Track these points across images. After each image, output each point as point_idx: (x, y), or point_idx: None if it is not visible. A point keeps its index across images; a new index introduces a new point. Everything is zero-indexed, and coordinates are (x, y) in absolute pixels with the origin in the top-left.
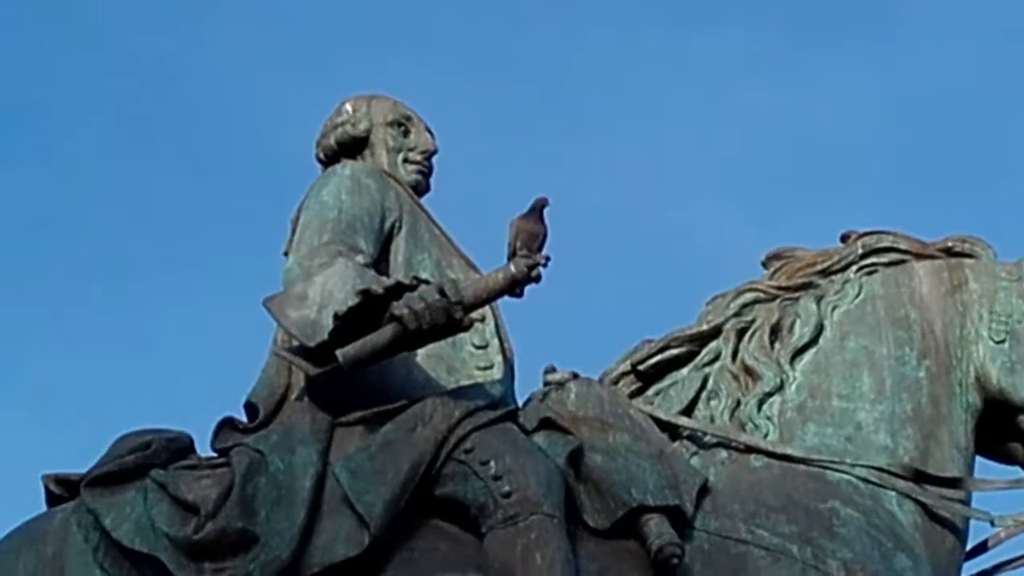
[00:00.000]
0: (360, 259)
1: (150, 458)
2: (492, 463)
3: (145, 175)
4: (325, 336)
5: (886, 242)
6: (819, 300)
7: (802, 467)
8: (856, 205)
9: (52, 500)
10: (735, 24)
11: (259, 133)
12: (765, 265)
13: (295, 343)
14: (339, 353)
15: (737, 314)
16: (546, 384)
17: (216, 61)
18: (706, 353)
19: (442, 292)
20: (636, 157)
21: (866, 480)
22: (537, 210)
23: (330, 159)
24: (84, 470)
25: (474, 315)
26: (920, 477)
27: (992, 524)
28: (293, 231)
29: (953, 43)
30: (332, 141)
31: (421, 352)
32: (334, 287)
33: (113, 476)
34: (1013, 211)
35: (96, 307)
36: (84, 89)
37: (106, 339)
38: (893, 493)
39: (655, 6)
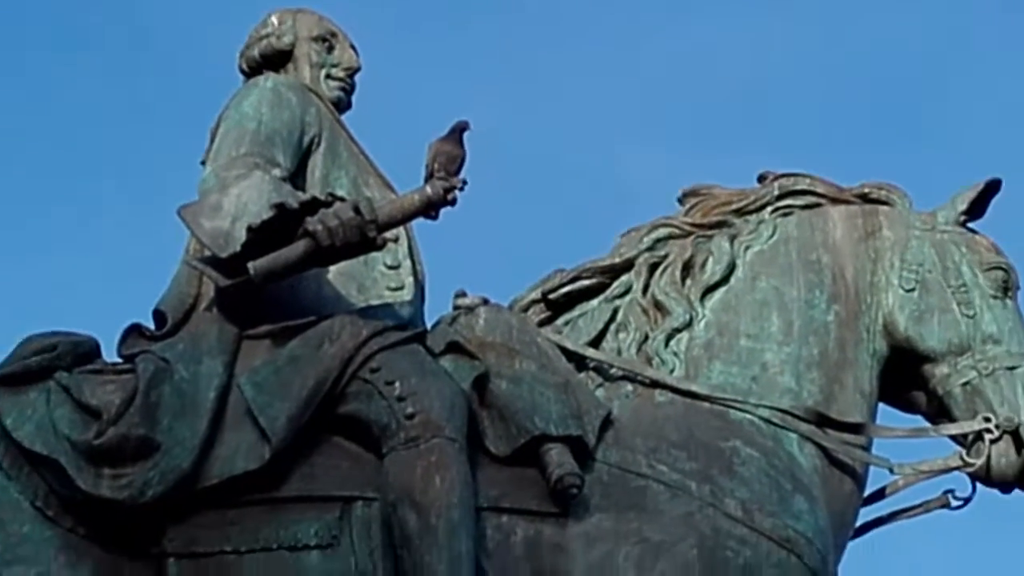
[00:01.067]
0: (277, 172)
1: (55, 360)
2: (397, 384)
3: (62, 81)
4: (237, 248)
5: (802, 185)
6: (733, 239)
7: (706, 404)
8: (776, 148)
9: None
10: None
11: (181, 40)
12: (681, 201)
13: (207, 253)
14: (251, 265)
15: (650, 248)
16: (456, 308)
17: None
18: (617, 286)
19: (357, 210)
20: (559, 89)
21: (768, 421)
22: (457, 133)
23: (253, 71)
24: None
25: (388, 235)
26: (823, 421)
27: (891, 472)
28: (212, 141)
29: None
30: (256, 53)
31: (333, 269)
32: (249, 199)
33: (16, 377)
34: (931, 162)
35: (9, 211)
36: None
37: (17, 243)
38: (795, 435)
39: None
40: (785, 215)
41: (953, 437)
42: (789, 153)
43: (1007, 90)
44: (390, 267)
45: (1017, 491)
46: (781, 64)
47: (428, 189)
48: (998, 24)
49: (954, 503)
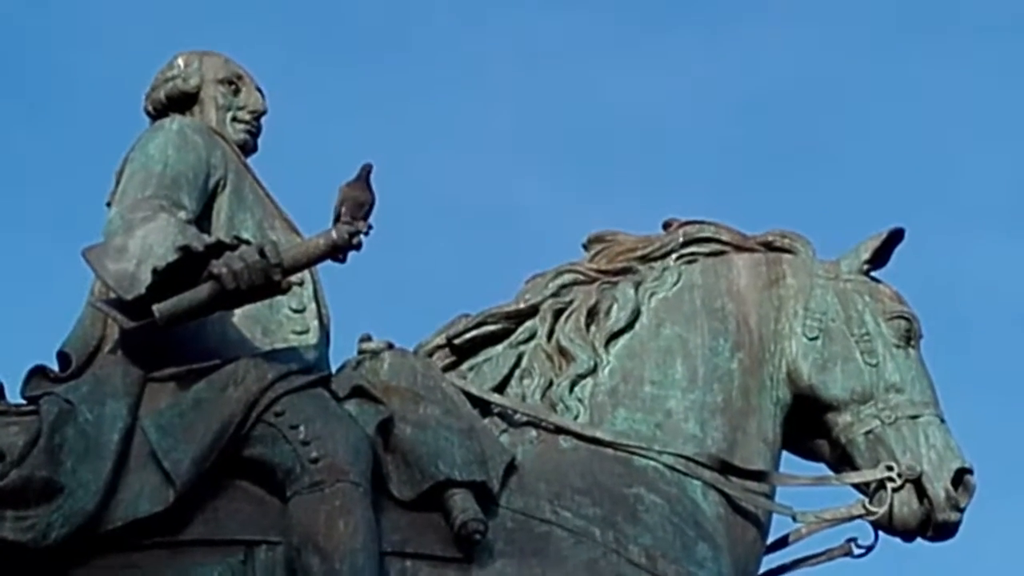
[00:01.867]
0: (183, 215)
1: None
2: (302, 428)
3: None
4: (142, 290)
5: (707, 232)
6: (637, 286)
7: (610, 451)
8: (681, 191)
9: None
10: (574, 4)
11: (87, 83)
12: (586, 247)
13: (112, 295)
14: (155, 308)
15: (555, 294)
16: (360, 352)
17: (49, 13)
18: (522, 331)
19: (262, 253)
20: (464, 130)
21: (672, 468)
22: (364, 177)
23: (159, 112)
24: None
25: (293, 278)
26: (726, 468)
27: (794, 519)
28: (117, 182)
29: (784, 34)
30: (162, 95)
31: (238, 312)
32: (154, 242)
33: None
34: (835, 207)
35: None
36: None
37: None
38: (698, 482)
39: None
40: (690, 262)
41: (856, 486)
42: (690, 195)
43: (909, 132)
44: (295, 311)
45: (919, 540)
46: (680, 104)
47: (333, 233)
48: (900, 62)
49: (856, 551)
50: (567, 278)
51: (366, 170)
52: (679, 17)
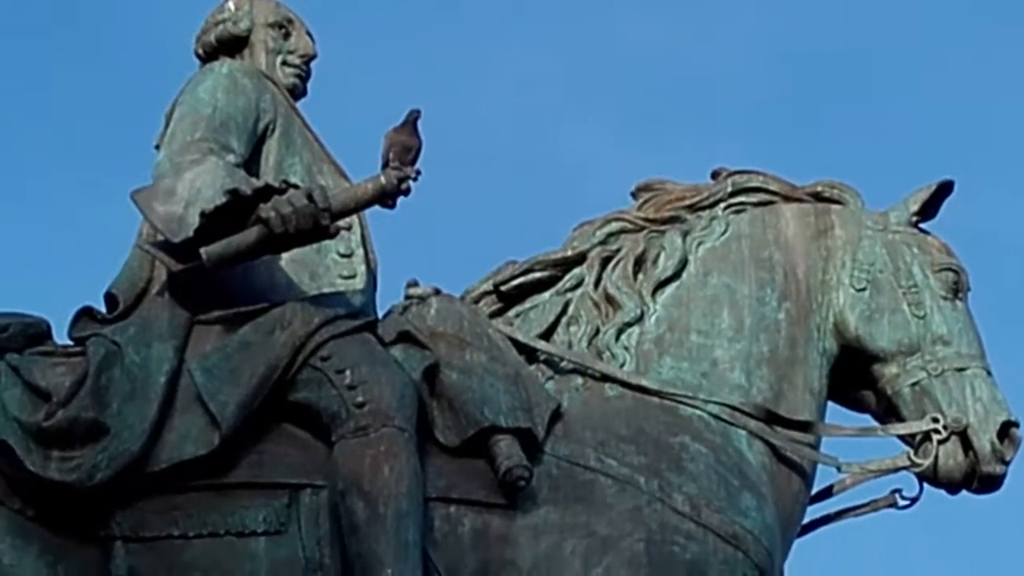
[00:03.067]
0: (231, 158)
1: (5, 341)
2: (347, 372)
3: (13, 60)
4: (190, 233)
5: (756, 182)
6: (685, 235)
7: (655, 399)
8: (728, 140)
9: None
10: None
11: (136, 24)
12: (635, 196)
13: (160, 238)
14: (203, 251)
15: (603, 242)
16: (407, 298)
17: None
18: (569, 279)
19: (310, 197)
20: (515, 76)
21: (718, 417)
22: (411, 122)
23: (209, 56)
24: None
25: (341, 223)
26: (772, 418)
27: (839, 470)
28: (166, 125)
29: None
30: (212, 38)
31: (285, 256)
32: (203, 184)
33: None
34: (884, 159)
35: None
36: None
37: None
38: (743, 432)
39: None
40: (738, 212)
41: (901, 437)
42: (739, 145)
43: (958, 85)
44: (343, 255)
45: (964, 492)
46: (729, 54)
47: (382, 178)
48: (952, 19)
49: (901, 503)
50: (615, 226)
51: (413, 115)
52: None
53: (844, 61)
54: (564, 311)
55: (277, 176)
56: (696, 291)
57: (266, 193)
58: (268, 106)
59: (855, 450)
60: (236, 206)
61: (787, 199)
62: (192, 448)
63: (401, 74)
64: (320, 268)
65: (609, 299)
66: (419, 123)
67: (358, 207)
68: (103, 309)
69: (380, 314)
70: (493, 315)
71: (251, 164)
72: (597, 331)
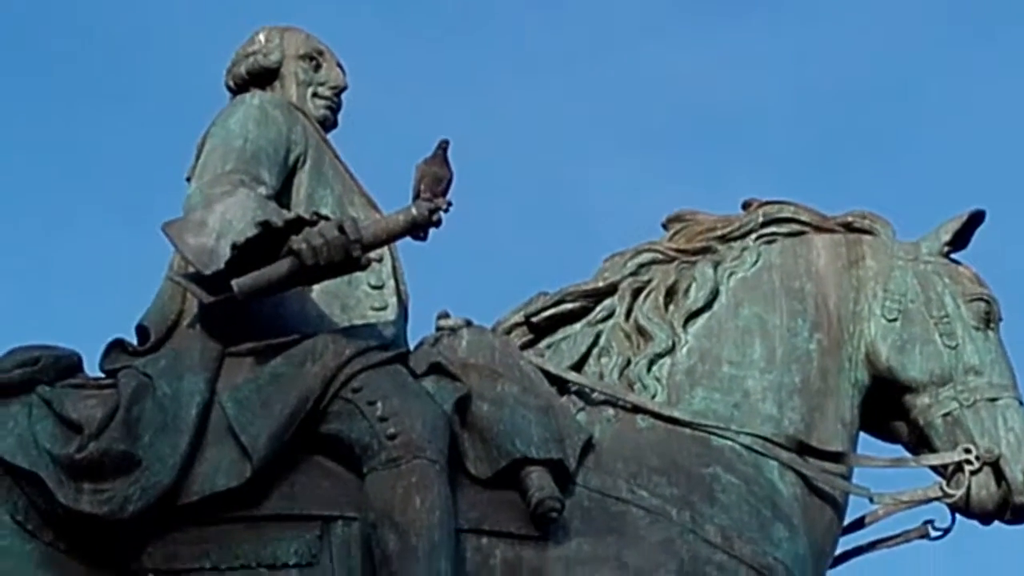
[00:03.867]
0: (262, 190)
1: (37, 374)
2: (379, 404)
3: (48, 95)
4: (221, 265)
5: (787, 212)
6: (716, 265)
7: (687, 431)
8: (756, 174)
9: None
10: None
11: (169, 58)
12: (666, 227)
13: (191, 269)
14: (234, 283)
15: (634, 273)
16: (439, 329)
17: None
18: (600, 310)
19: (341, 229)
20: (546, 109)
21: (750, 448)
22: (442, 154)
23: (240, 88)
24: None
25: (372, 255)
26: (803, 449)
27: (871, 501)
28: (197, 157)
29: (861, 16)
30: (243, 70)
31: (316, 288)
32: (234, 216)
33: None
34: (915, 189)
35: None
36: None
37: (2, 257)
38: (775, 463)
39: None
40: (769, 242)
41: (934, 468)
42: (768, 177)
43: (988, 115)
44: (374, 287)
45: (996, 523)
46: (757, 86)
47: (413, 210)
48: (983, 47)
49: (933, 534)
50: (646, 257)
51: (443, 146)
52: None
53: (874, 91)
54: (595, 342)
55: (308, 208)
56: (727, 322)
57: (297, 225)
58: (299, 138)
59: (887, 481)
60: (267, 238)
61: (818, 229)
62: (224, 480)
63: (431, 107)
64: (351, 300)
65: (640, 330)
66: (449, 154)
67: (389, 239)
68: (134, 341)
69: (411, 346)
70: (524, 346)
71: (282, 196)
72: (628, 362)
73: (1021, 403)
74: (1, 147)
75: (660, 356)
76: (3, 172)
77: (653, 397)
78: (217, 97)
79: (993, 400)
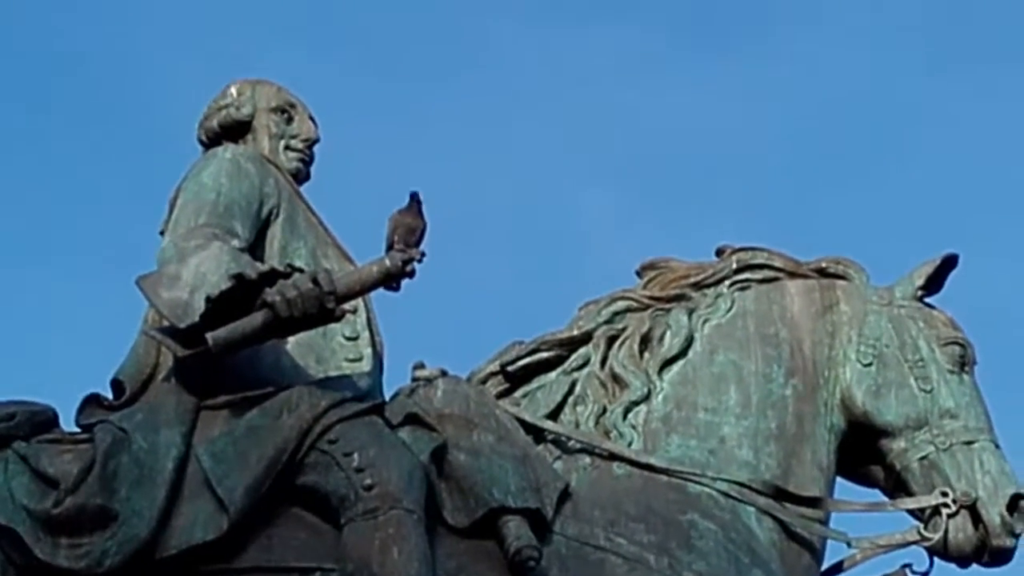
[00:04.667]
0: (236, 243)
1: (12, 429)
2: (355, 455)
3: (11, 149)
4: (196, 318)
5: (760, 259)
6: (691, 312)
7: (664, 477)
8: (738, 215)
9: None
10: (631, 21)
11: (140, 113)
12: (640, 274)
13: (166, 323)
14: (209, 336)
15: (608, 321)
16: (414, 380)
17: (103, 39)
18: (575, 358)
19: (315, 281)
20: (518, 153)
21: (726, 494)
22: (415, 204)
23: (212, 141)
24: None
25: (346, 306)
26: (780, 494)
27: (849, 545)
28: (170, 211)
29: (837, 55)
30: (215, 123)
31: (291, 340)
32: (208, 270)
33: None
34: (888, 234)
35: None
36: None
37: None
38: (752, 509)
39: None
40: (743, 289)
41: (911, 511)
42: (743, 216)
43: (960, 156)
44: (348, 338)
45: (974, 565)
46: (731, 129)
47: (387, 261)
48: (954, 83)
49: None
50: (620, 305)
51: (415, 198)
52: (732, 37)
53: (846, 136)
54: (571, 391)
55: (282, 260)
56: (703, 368)
57: (271, 277)
58: (272, 190)
59: (865, 525)
60: (241, 291)
61: (792, 275)
62: (201, 533)
63: (404, 154)
64: (326, 351)
65: (616, 378)
66: (422, 205)
67: (363, 290)
68: (110, 396)
69: (387, 396)
70: (500, 396)
71: (256, 249)
72: (604, 410)
73: (997, 446)
74: None
75: (636, 404)
76: None
77: (629, 445)
78: (190, 150)
79: (969, 443)
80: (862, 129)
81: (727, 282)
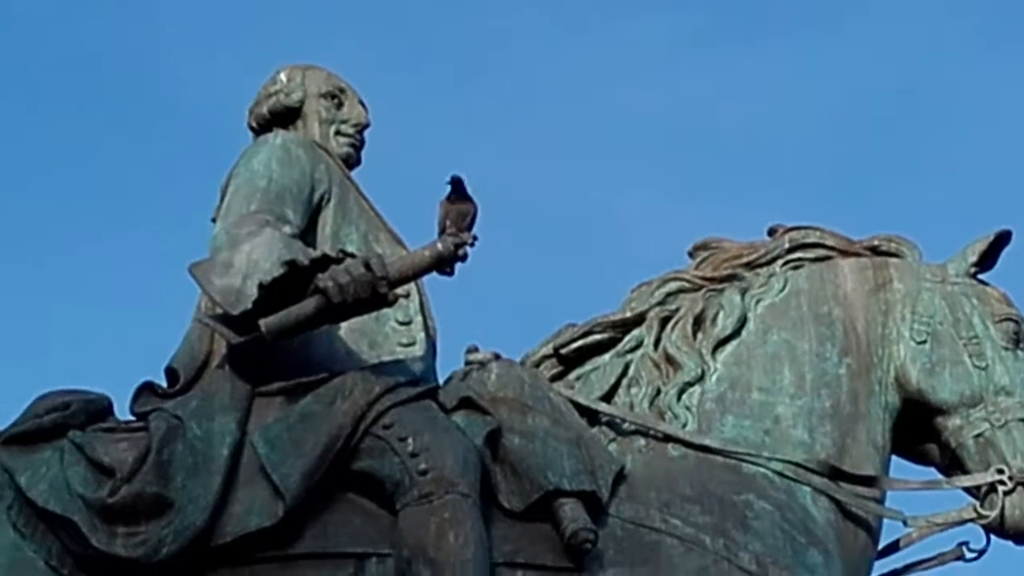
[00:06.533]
0: (287, 229)
1: (68, 419)
2: (410, 440)
3: (75, 139)
4: (249, 305)
5: (813, 238)
6: (744, 292)
7: (719, 458)
8: (784, 198)
9: None
10: (673, 10)
11: (190, 98)
12: (692, 255)
13: (219, 310)
14: (262, 323)
15: (661, 303)
16: (468, 363)
17: (149, 30)
18: (628, 340)
19: (368, 266)
20: (570, 139)
21: (781, 474)
22: (463, 188)
23: (263, 128)
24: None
25: (399, 291)
26: (836, 474)
27: (905, 524)
28: (222, 198)
29: (886, 37)
30: (265, 110)
31: (344, 325)
32: (260, 256)
33: (30, 435)
34: (940, 211)
35: (23, 269)
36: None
37: (31, 301)
38: (808, 488)
39: None
40: (796, 268)
41: (967, 489)
42: (795, 199)
43: (1013, 133)
44: (402, 323)
45: None
46: (781, 108)
47: (439, 245)
48: (1005, 62)
49: (968, 555)
50: (673, 286)
51: (455, 182)
52: (773, 24)
53: (897, 112)
54: (625, 372)
55: (334, 246)
56: (756, 348)
57: (323, 263)
58: (323, 176)
59: (921, 503)
60: (294, 277)
61: (845, 254)
62: (257, 520)
63: (455, 139)
64: (379, 336)
65: (669, 359)
66: (466, 187)
67: (416, 274)
68: (164, 384)
69: (441, 380)
70: (554, 378)
71: (307, 234)
72: (658, 391)
73: None
74: (33, 191)
75: (690, 385)
76: (32, 216)
77: (684, 426)
78: (241, 137)
79: None
80: (912, 110)
81: (780, 261)
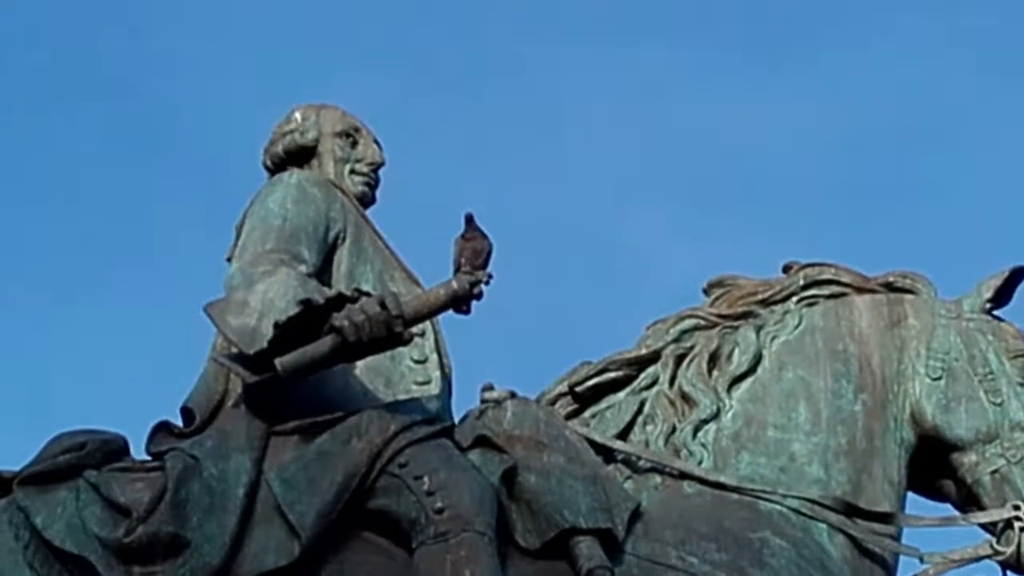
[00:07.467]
0: (303, 268)
1: (84, 459)
2: (426, 478)
3: (94, 178)
4: (264, 344)
5: (828, 274)
6: (759, 329)
7: (734, 495)
8: (795, 230)
9: None
10: (680, 38)
11: (205, 137)
12: (707, 292)
13: (234, 350)
14: (278, 362)
15: (676, 340)
16: (483, 402)
17: (167, 67)
18: (644, 378)
19: (383, 305)
20: (581, 174)
21: (798, 511)
22: (476, 226)
23: (277, 167)
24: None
25: (414, 330)
26: (851, 511)
27: (921, 560)
28: (237, 237)
29: (896, 69)
30: (280, 149)
31: (360, 364)
32: (275, 295)
33: (46, 475)
34: (955, 246)
35: (34, 308)
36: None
37: (43, 341)
38: (824, 525)
39: (601, 16)
40: (811, 305)
41: (983, 525)
42: (807, 235)
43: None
44: (417, 361)
45: None
46: (792, 142)
47: (454, 283)
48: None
49: None
50: (688, 323)
51: (468, 218)
52: (785, 51)
53: (909, 147)
54: (640, 410)
55: (349, 285)
56: (772, 385)
57: (339, 302)
58: (338, 215)
59: (937, 540)
60: (309, 316)
61: (860, 290)
62: (273, 559)
63: (470, 177)
64: (395, 375)
65: (685, 397)
66: (478, 223)
67: (431, 313)
68: (180, 423)
69: (456, 419)
70: (569, 416)
71: (322, 273)
72: (674, 429)
73: None
74: (49, 229)
75: (705, 422)
76: (46, 256)
77: (699, 463)
78: (255, 176)
79: None
80: (924, 142)
81: (795, 298)
